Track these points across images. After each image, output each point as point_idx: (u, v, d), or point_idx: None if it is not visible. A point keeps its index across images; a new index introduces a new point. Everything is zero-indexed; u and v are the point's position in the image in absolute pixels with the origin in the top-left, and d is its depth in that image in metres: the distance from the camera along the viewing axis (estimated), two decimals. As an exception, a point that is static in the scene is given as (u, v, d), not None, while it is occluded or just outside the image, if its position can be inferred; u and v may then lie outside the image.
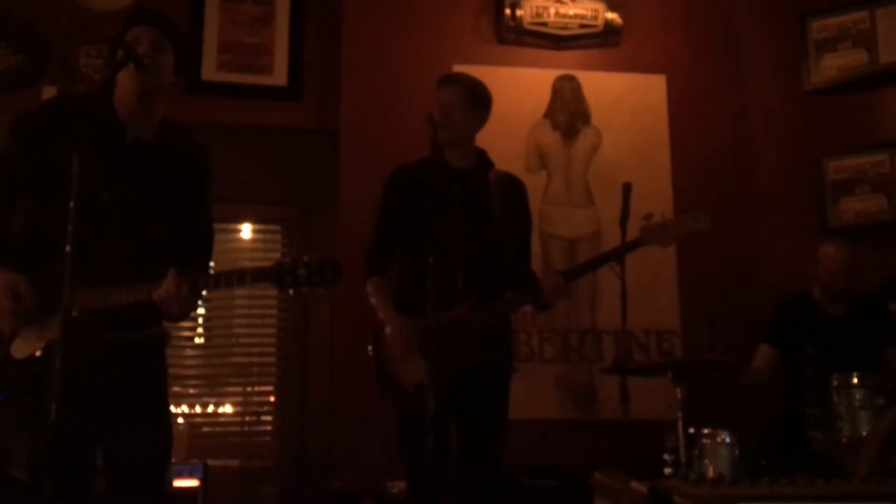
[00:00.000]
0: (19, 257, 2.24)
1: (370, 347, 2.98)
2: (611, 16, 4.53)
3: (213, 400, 4.36)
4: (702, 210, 3.19)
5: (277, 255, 4.53)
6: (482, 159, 3.11)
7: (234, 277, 2.27)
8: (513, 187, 3.13)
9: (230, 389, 4.42)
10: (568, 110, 4.53)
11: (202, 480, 3.60)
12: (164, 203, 2.37)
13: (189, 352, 4.41)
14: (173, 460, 3.48)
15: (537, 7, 4.47)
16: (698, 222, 3.14)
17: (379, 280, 3.02)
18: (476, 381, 2.86)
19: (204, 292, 2.37)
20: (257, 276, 2.28)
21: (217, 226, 2.60)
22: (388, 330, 2.91)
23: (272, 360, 4.45)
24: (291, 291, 2.23)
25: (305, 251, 4.35)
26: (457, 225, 2.84)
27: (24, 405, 2.19)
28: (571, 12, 4.51)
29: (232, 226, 4.47)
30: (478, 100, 3.06)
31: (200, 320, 4.45)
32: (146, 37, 2.32)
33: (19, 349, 2.22)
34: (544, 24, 4.49)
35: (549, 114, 4.52)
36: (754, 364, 3.75)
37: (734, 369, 3.61)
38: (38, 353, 2.18)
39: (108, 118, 2.31)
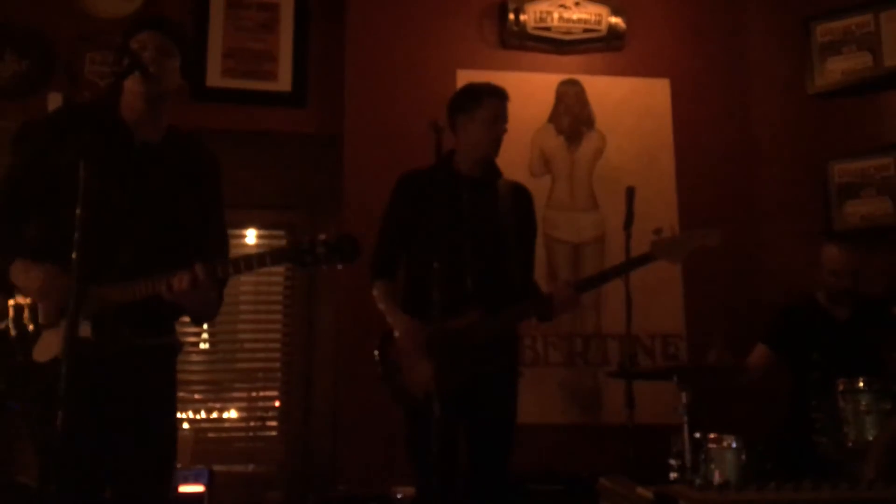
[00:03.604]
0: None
1: (376, 352, 2.98)
2: (614, 20, 4.54)
3: (218, 405, 4.37)
4: (712, 226, 3.19)
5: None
6: (491, 168, 3.11)
7: (255, 260, 2.24)
8: (521, 197, 3.14)
9: (235, 395, 4.42)
10: (572, 115, 4.53)
11: (207, 486, 3.61)
12: (176, 205, 2.37)
13: (194, 357, 4.42)
14: (178, 466, 3.50)
15: (541, 12, 4.48)
16: (708, 238, 3.13)
17: (385, 283, 3.02)
18: (485, 387, 2.86)
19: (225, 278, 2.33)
20: (277, 257, 2.25)
21: (223, 231, 2.59)
22: (397, 333, 2.90)
23: (277, 365, 4.45)
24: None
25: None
26: (465, 233, 2.84)
27: (36, 411, 2.18)
28: (575, 17, 4.51)
29: (237, 231, 4.47)
30: None
31: (206, 326, 4.45)
32: (152, 42, 2.33)
33: (41, 352, 2.21)
34: (548, 29, 4.49)
35: (553, 118, 4.51)
36: (748, 362, 3.73)
37: (738, 372, 3.60)
38: (60, 356, 2.17)
39: (116, 124, 2.32)
